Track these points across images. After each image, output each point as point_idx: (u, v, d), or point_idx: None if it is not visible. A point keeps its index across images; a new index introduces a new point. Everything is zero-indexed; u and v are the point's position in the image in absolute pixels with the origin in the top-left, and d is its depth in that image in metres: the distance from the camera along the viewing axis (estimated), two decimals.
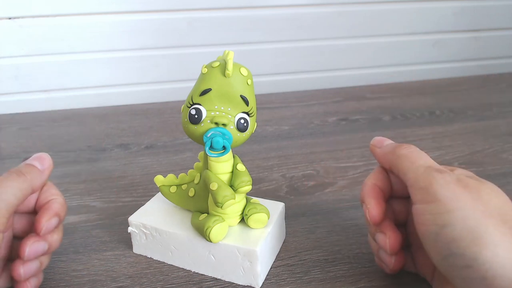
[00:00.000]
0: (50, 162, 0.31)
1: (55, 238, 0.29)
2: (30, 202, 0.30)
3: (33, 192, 0.29)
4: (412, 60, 0.92)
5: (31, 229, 0.30)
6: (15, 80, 0.75)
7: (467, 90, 0.83)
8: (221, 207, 0.30)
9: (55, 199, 0.30)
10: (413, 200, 0.25)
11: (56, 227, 0.29)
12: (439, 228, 0.23)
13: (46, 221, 0.28)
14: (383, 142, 0.30)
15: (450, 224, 0.23)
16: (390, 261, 0.29)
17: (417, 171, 0.25)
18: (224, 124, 0.29)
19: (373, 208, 0.28)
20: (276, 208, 0.35)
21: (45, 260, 0.30)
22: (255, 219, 0.32)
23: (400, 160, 0.27)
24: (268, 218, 0.33)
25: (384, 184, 0.30)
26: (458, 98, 0.78)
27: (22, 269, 0.28)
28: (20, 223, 0.30)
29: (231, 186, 0.31)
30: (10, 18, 0.71)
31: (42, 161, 0.30)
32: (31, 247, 0.28)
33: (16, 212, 0.30)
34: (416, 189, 0.25)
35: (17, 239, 0.30)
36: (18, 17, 0.71)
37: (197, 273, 0.33)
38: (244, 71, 0.30)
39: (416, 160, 0.26)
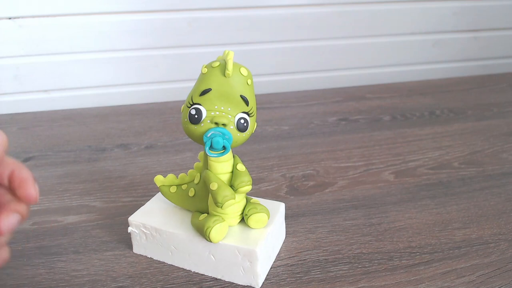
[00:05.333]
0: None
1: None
2: None
3: None
4: (412, 60, 0.92)
5: None
6: (15, 80, 0.74)
7: (467, 90, 0.83)
8: (221, 207, 0.30)
9: (18, 167, 0.28)
10: None
11: None
12: None
13: (34, 188, 0.28)
14: None
15: None
16: None
17: None
18: (224, 124, 0.29)
19: None
20: (276, 208, 0.35)
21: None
22: (255, 219, 0.32)
23: None
24: (268, 218, 0.33)
25: None
26: (458, 98, 0.78)
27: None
28: None
29: (231, 186, 0.31)
30: (10, 18, 0.71)
31: None
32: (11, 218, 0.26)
33: None
34: None
35: None
36: (18, 17, 0.71)
37: (197, 273, 0.33)
38: (244, 71, 0.30)
39: None
